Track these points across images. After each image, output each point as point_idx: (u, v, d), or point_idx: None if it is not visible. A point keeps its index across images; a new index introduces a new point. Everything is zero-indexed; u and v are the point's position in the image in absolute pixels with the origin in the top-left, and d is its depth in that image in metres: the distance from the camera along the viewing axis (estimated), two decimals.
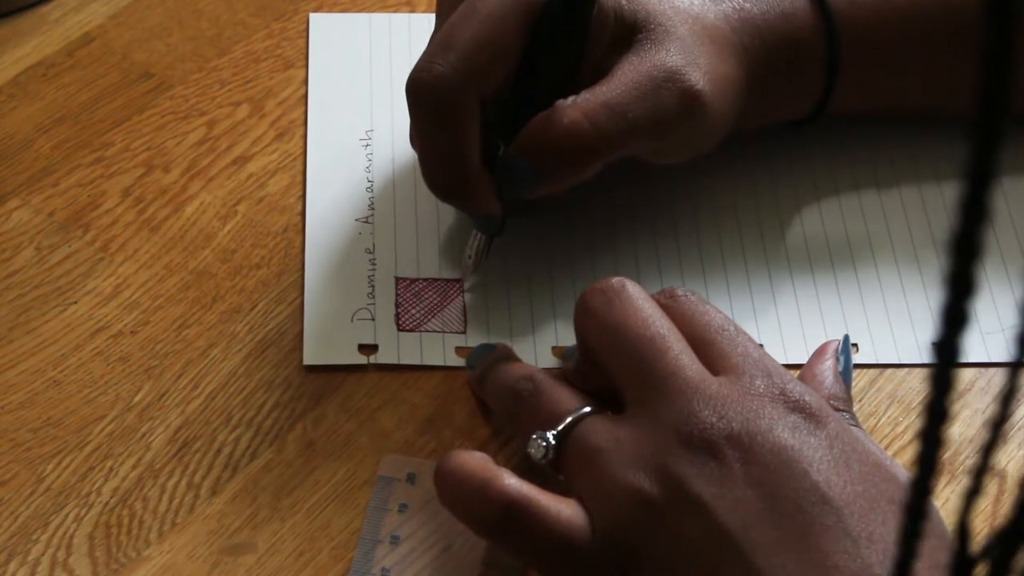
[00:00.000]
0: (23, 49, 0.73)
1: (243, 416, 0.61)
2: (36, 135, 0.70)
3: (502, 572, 0.56)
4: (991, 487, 0.59)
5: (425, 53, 0.60)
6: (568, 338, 0.62)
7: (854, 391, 0.61)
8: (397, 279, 0.65)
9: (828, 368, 0.58)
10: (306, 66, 0.73)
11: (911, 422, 0.61)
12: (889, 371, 0.63)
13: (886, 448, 0.60)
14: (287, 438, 0.60)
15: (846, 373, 0.58)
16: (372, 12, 0.76)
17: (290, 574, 0.56)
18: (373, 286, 0.65)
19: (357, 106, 0.71)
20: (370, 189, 0.68)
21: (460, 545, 0.56)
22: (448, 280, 0.65)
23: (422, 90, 0.60)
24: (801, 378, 0.57)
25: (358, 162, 0.69)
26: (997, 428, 0.29)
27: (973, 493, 0.30)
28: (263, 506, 0.58)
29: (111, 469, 0.59)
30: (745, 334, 0.56)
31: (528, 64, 0.61)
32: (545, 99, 0.60)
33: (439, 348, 0.63)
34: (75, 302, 0.64)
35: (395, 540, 0.57)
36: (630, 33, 0.62)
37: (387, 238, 0.66)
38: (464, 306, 0.64)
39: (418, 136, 0.62)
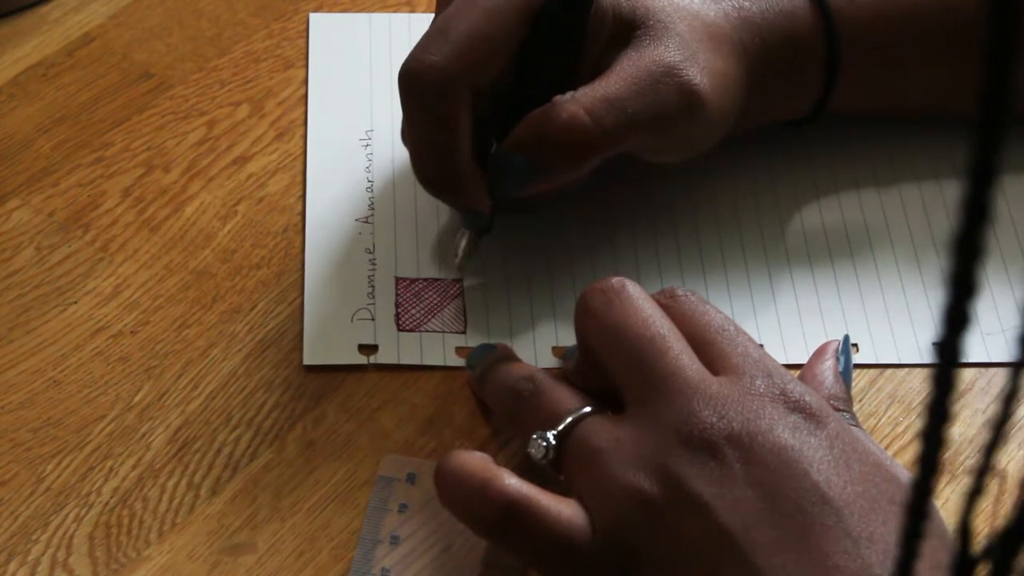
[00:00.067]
0: (23, 49, 0.73)
1: (243, 416, 0.61)
2: (36, 135, 0.70)
3: (502, 572, 0.56)
4: (991, 487, 0.59)
5: (420, 43, 0.60)
6: (568, 338, 0.62)
7: (854, 391, 0.61)
8: (397, 279, 0.65)
9: (828, 368, 0.58)
10: (306, 66, 0.73)
11: (911, 422, 0.61)
12: (889, 371, 0.63)
13: (886, 448, 0.60)
14: (287, 438, 0.60)
15: (846, 373, 0.58)
16: (372, 12, 0.76)
17: (290, 574, 0.56)
18: (373, 286, 0.65)
19: (357, 106, 0.71)
20: (370, 189, 0.68)
21: (460, 545, 0.56)
22: (448, 280, 0.65)
23: (415, 79, 0.59)
24: (801, 378, 0.57)
25: (358, 162, 0.69)
26: (999, 429, 0.29)
27: (975, 493, 0.30)
28: (263, 506, 0.58)
29: (111, 469, 0.59)
30: (745, 334, 0.56)
31: (525, 60, 0.61)
32: (542, 96, 0.60)
33: (439, 348, 0.63)
34: (75, 302, 0.64)
35: (395, 540, 0.57)
36: (629, 30, 0.62)
37: (387, 238, 0.66)
38: (464, 306, 0.64)
39: (410, 127, 0.61)
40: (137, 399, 0.61)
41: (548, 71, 0.61)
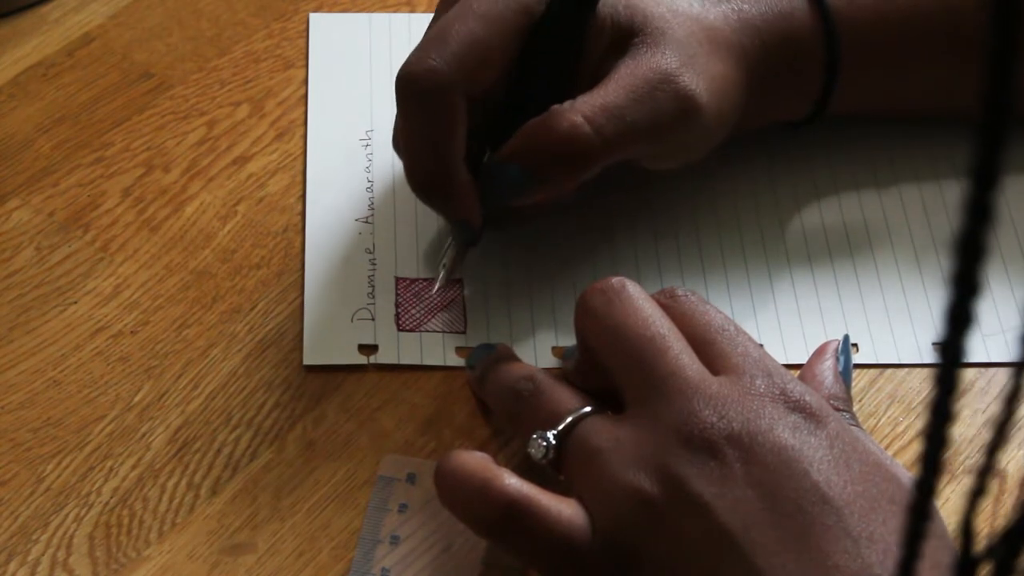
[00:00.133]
0: (23, 49, 0.73)
1: (243, 416, 0.61)
2: (36, 135, 0.70)
3: (502, 572, 0.56)
4: (992, 487, 0.59)
5: (418, 47, 0.60)
6: (568, 338, 0.62)
7: (854, 391, 0.61)
8: (397, 279, 0.65)
9: (828, 368, 0.58)
10: (306, 66, 0.73)
11: (911, 422, 0.61)
12: (889, 371, 0.63)
13: (886, 448, 0.60)
14: (287, 438, 0.60)
15: (846, 373, 0.58)
16: (372, 12, 0.76)
17: (290, 574, 0.56)
18: (373, 286, 0.65)
19: (357, 106, 0.71)
20: (370, 189, 0.68)
21: (460, 545, 0.56)
22: (448, 280, 0.65)
23: (413, 83, 0.59)
24: (801, 378, 0.57)
25: (358, 162, 0.69)
26: (1001, 429, 0.29)
27: (977, 494, 0.30)
28: (263, 506, 0.58)
29: (111, 469, 0.59)
30: (745, 334, 0.56)
31: (522, 70, 0.61)
32: (538, 104, 0.60)
33: (439, 348, 0.63)
34: (75, 302, 0.64)
35: (395, 540, 0.57)
36: (627, 37, 0.61)
37: (387, 238, 0.66)
38: (464, 306, 0.64)
39: (404, 130, 0.61)
40: (137, 399, 0.61)
41: (545, 79, 0.61)
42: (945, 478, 0.59)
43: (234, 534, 0.57)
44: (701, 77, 0.61)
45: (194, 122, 0.71)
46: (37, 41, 0.74)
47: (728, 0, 0.64)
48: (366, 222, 0.67)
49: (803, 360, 0.60)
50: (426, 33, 0.62)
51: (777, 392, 0.53)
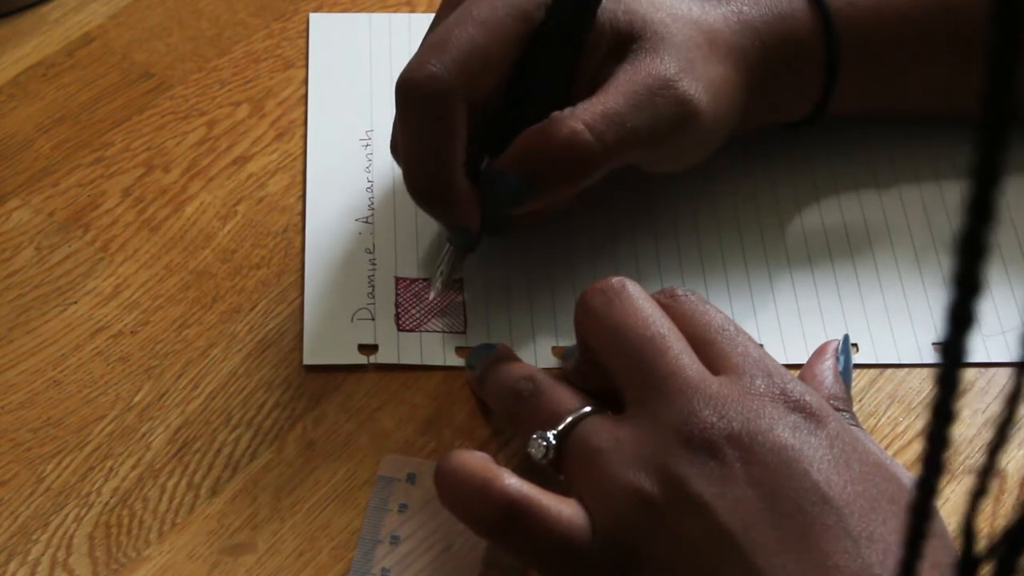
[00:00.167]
0: (23, 49, 0.73)
1: (243, 416, 0.61)
2: (36, 135, 0.70)
3: (502, 572, 0.56)
4: (992, 487, 0.59)
5: (418, 53, 0.60)
6: (568, 338, 0.62)
7: (854, 391, 0.61)
8: (397, 279, 0.65)
9: (828, 368, 0.58)
10: (306, 66, 0.73)
11: (911, 422, 0.61)
12: (889, 371, 0.63)
13: (886, 448, 0.60)
14: (287, 438, 0.60)
15: (846, 373, 0.58)
16: (372, 12, 0.76)
17: (290, 574, 0.56)
18: (373, 286, 0.65)
19: (357, 106, 0.71)
20: (370, 189, 0.68)
21: (460, 545, 0.56)
22: (445, 286, 0.65)
23: (413, 89, 0.59)
24: (801, 378, 0.57)
25: (358, 162, 0.69)
26: (1002, 429, 0.29)
27: (979, 494, 0.30)
28: (263, 506, 0.58)
29: (111, 469, 0.59)
30: (745, 334, 0.56)
31: (522, 76, 0.61)
32: (537, 111, 0.60)
33: (439, 348, 0.63)
34: (75, 302, 0.64)
35: (395, 540, 0.57)
36: (626, 43, 0.61)
37: (387, 238, 0.66)
38: (464, 306, 0.64)
39: (404, 136, 0.61)
40: (137, 399, 0.61)
41: (545, 86, 0.61)
42: (945, 478, 0.59)
43: (234, 534, 0.57)
44: (700, 82, 0.61)
45: (194, 122, 0.71)
46: (37, 41, 0.74)
47: (728, 2, 0.64)
48: (366, 222, 0.67)
49: (803, 360, 0.60)
50: (425, 38, 0.62)
51: (777, 392, 0.53)
